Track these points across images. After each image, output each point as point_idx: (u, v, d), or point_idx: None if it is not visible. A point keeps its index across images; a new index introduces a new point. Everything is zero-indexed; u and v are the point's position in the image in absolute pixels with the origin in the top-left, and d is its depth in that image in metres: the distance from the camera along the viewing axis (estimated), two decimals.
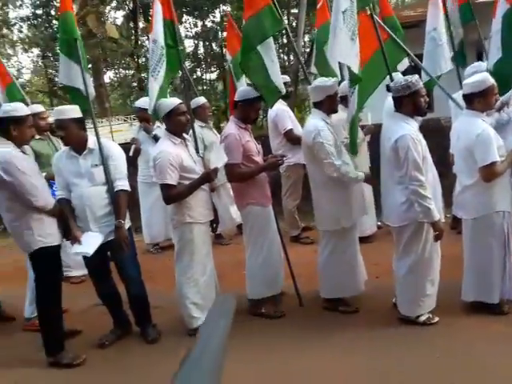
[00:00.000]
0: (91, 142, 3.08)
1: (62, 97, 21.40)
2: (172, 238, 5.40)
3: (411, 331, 3.09)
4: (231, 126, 3.36)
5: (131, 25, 21.88)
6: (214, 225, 3.47)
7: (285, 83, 3.84)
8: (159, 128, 5.02)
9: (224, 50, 23.95)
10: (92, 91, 3.30)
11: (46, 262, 3.05)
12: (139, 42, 20.94)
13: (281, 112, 4.79)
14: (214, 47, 24.35)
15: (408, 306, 3.15)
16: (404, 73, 3.90)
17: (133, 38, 21.09)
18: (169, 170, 3.00)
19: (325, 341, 3.10)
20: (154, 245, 5.34)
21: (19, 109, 2.96)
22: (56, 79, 22.47)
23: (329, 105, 3.23)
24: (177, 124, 3.15)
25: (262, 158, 3.46)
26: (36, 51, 22.82)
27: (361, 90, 2.94)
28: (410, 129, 2.85)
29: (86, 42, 14.66)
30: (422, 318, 3.12)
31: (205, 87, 23.14)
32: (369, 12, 3.06)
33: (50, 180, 3.42)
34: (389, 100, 3.34)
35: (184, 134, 3.29)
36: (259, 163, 3.36)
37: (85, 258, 3.18)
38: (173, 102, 3.16)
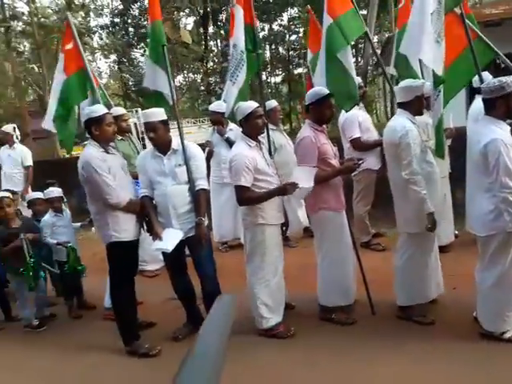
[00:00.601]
0: (175, 143, 3.24)
1: (134, 99, 22.65)
2: (240, 237, 5.56)
3: (494, 347, 2.89)
4: (306, 129, 3.36)
5: (201, 30, 22.66)
6: (284, 228, 3.49)
7: (358, 85, 3.77)
8: (231, 131, 5.15)
9: (290, 52, 24.15)
10: (175, 95, 3.46)
11: (119, 256, 3.24)
12: (208, 47, 21.59)
13: (349, 118, 4.66)
14: (281, 50, 24.52)
15: (492, 321, 2.95)
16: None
17: (202, 43, 21.78)
18: (244, 172, 3.06)
19: (397, 349, 3.00)
20: (222, 243, 5.47)
21: (97, 109, 3.22)
22: (130, 83, 23.85)
23: (417, 105, 3.12)
24: (254, 127, 3.21)
25: (339, 161, 3.42)
26: (113, 57, 24.39)
27: (446, 90, 2.81)
28: (501, 133, 2.67)
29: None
30: (508, 335, 2.90)
31: (270, 90, 23.35)
32: (459, 11, 2.91)
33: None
34: (476, 102, 3.16)
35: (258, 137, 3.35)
36: (335, 166, 3.33)
37: (163, 252, 3.33)
38: (251, 105, 3.22)
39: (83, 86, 4.76)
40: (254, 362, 3.05)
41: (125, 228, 3.19)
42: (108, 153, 3.20)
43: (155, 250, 3.25)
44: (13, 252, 3.74)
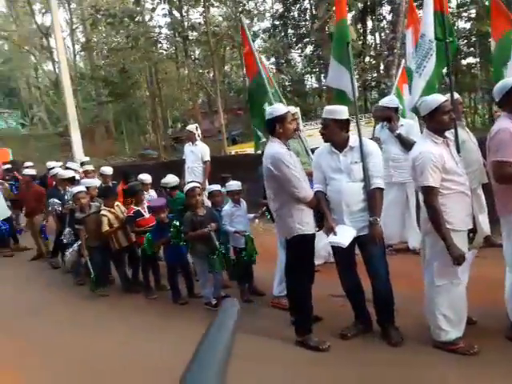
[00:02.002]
0: (353, 140, 3.22)
1: (290, 99, 23.38)
2: (408, 241, 5.27)
3: None
4: (504, 121, 2.97)
5: (358, 26, 22.18)
6: (471, 234, 3.15)
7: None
8: (403, 127, 4.90)
9: (458, 41, 21.91)
10: (356, 93, 3.43)
11: (301, 249, 3.34)
12: (367, 42, 21.02)
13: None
14: None
15: None
16: None
17: (361, 38, 21.31)
18: (431, 170, 2.85)
19: None
20: (387, 246, 5.25)
21: (280, 108, 3.36)
22: (286, 83, 24.69)
23: None
24: (440, 123, 2.97)
25: None
26: (272, 59, 25.58)
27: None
28: None
29: (327, 45, 15.52)
30: None
31: None
32: None
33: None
34: None
35: (446, 133, 3.09)
36: None
37: (333, 248, 3.35)
38: (438, 99, 2.98)
39: (262, 93, 5.01)
40: (424, 372, 2.87)
41: (307, 221, 3.29)
42: (288, 149, 3.33)
43: (329, 243, 3.28)
44: (199, 238, 4.22)
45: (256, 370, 3.08)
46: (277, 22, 24.87)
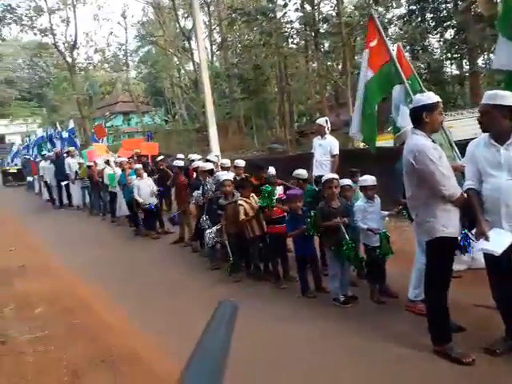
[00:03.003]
0: None
1: (425, 87, 21.67)
2: None
3: None
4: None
5: None
6: None
7: None
8: None
9: None
10: None
11: (443, 252, 3.06)
12: None
13: None
14: None
15: None
16: None
17: None
18: None
19: None
20: None
21: (431, 97, 3.09)
22: (421, 71, 22.92)
23: None
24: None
25: None
26: (407, 47, 23.95)
27: None
28: None
29: (472, 28, 13.99)
30: None
31: None
32: None
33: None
34: None
35: None
36: None
37: (485, 255, 2.99)
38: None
39: (387, 82, 4.84)
40: None
41: (454, 223, 3.01)
42: (433, 142, 3.07)
43: (479, 250, 2.94)
44: (330, 228, 4.18)
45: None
46: (413, 7, 23.22)
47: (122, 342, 4.02)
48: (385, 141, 10.31)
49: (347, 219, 4.13)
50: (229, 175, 6.02)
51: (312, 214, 4.37)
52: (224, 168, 7.13)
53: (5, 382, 3.45)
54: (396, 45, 5.60)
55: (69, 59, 27.46)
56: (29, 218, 12.50)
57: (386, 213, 4.37)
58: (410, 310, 3.88)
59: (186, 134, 25.99)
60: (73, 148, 13.79)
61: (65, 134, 16.04)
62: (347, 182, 4.69)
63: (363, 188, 4.29)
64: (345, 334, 3.72)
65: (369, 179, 4.27)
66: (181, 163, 8.25)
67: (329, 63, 21.02)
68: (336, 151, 6.68)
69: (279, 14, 17.63)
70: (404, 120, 4.21)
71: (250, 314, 4.32)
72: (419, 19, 22.97)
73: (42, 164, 14.29)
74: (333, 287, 4.37)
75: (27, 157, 19.73)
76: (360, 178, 4.41)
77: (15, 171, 23.00)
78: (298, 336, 3.78)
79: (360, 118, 5.11)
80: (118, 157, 10.76)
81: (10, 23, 25.14)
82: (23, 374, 3.54)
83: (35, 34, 27.18)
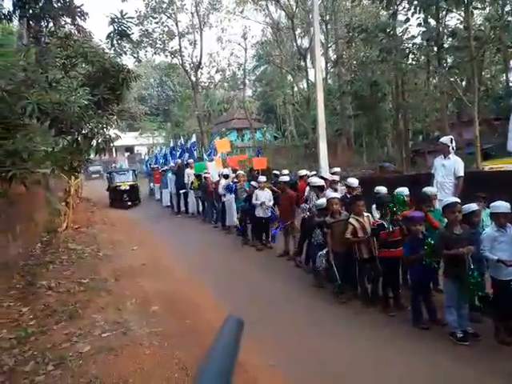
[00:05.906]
0: None
1: None
2: None
3: None
4: None
5: None
6: None
7: None
8: None
9: None
10: None
11: None
12: None
13: None
14: None
15: None
16: None
17: None
18: None
19: None
20: None
21: None
22: None
23: None
24: None
25: None
26: None
27: None
28: None
29: None
30: None
31: None
32: None
33: None
34: None
35: None
36: None
37: None
38: None
39: None
40: None
41: None
42: None
43: None
44: (452, 257, 3.83)
45: None
46: None
47: None
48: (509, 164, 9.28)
49: (472, 247, 3.75)
50: (336, 194, 5.98)
51: (429, 241, 4.05)
52: (349, 188, 6.71)
53: (124, 368, 3.77)
54: None
55: (193, 78, 29.79)
56: (149, 221, 13.72)
57: None
58: None
59: (294, 150, 26.30)
60: (192, 160, 14.84)
61: (188, 146, 17.40)
62: (474, 206, 4.28)
63: (495, 215, 3.86)
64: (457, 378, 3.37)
65: (502, 206, 3.83)
66: (286, 178, 8.33)
67: (451, 79, 19.64)
68: (461, 173, 6.15)
69: (399, 30, 17.02)
70: None
71: (354, 341, 4.16)
72: None
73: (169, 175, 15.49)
74: (450, 320, 3.98)
75: (154, 166, 21.11)
76: (492, 204, 3.97)
77: (127, 187, 18.15)
78: (414, 372, 3.50)
79: None
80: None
81: (145, 46, 28.14)
82: (141, 363, 3.84)
83: (166, 56, 30.05)
